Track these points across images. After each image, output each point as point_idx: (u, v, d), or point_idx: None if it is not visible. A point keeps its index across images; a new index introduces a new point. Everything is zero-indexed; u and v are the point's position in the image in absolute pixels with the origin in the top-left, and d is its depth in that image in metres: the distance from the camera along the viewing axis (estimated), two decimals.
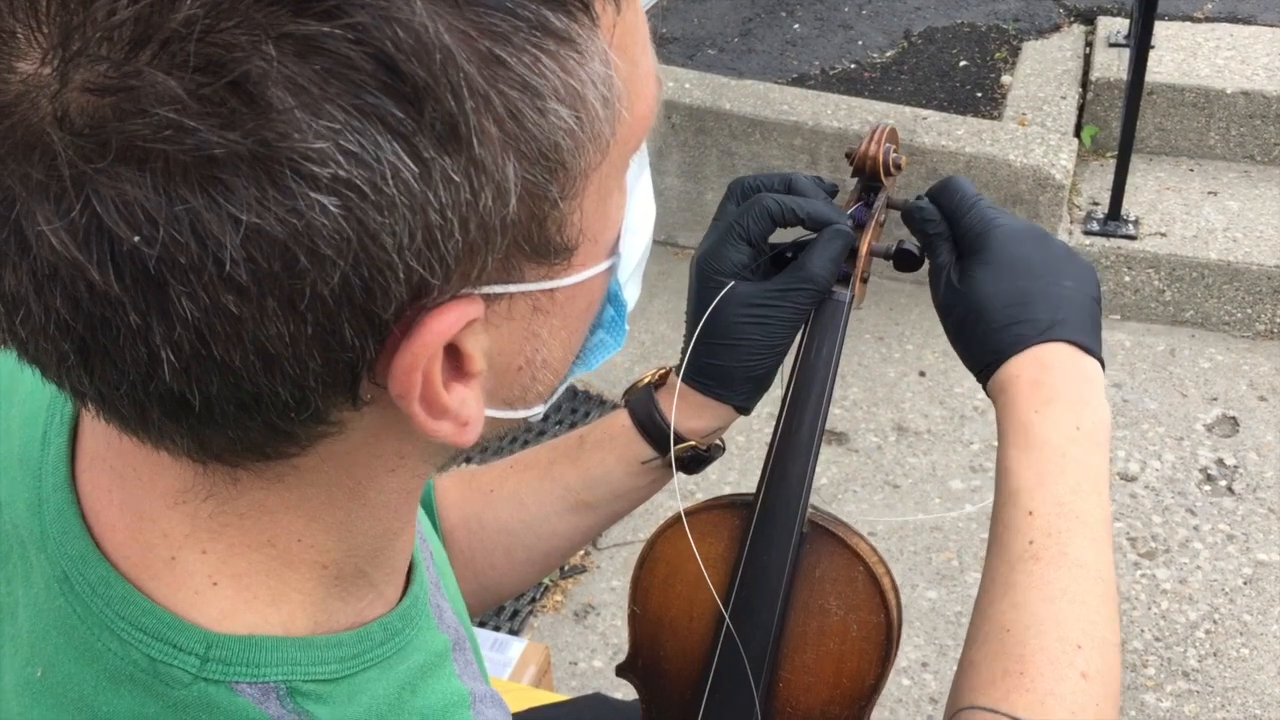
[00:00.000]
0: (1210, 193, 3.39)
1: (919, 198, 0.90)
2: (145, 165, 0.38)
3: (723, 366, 0.87)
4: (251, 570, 0.52)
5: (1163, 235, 3.21)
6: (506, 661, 1.76)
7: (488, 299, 0.46)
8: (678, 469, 0.91)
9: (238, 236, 0.38)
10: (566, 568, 2.48)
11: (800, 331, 0.89)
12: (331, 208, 0.39)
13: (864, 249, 0.90)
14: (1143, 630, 2.38)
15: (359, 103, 0.38)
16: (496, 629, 2.32)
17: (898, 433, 2.82)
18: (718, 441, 0.93)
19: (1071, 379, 0.82)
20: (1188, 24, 3.81)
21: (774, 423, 0.91)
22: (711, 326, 0.86)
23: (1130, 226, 3.22)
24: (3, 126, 0.38)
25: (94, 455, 0.54)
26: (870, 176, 0.94)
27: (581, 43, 0.43)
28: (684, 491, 0.90)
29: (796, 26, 3.95)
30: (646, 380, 0.92)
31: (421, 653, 0.58)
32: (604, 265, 0.52)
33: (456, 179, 0.40)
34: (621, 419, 0.90)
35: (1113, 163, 3.23)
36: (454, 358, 0.47)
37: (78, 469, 0.55)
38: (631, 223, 0.55)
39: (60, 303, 0.40)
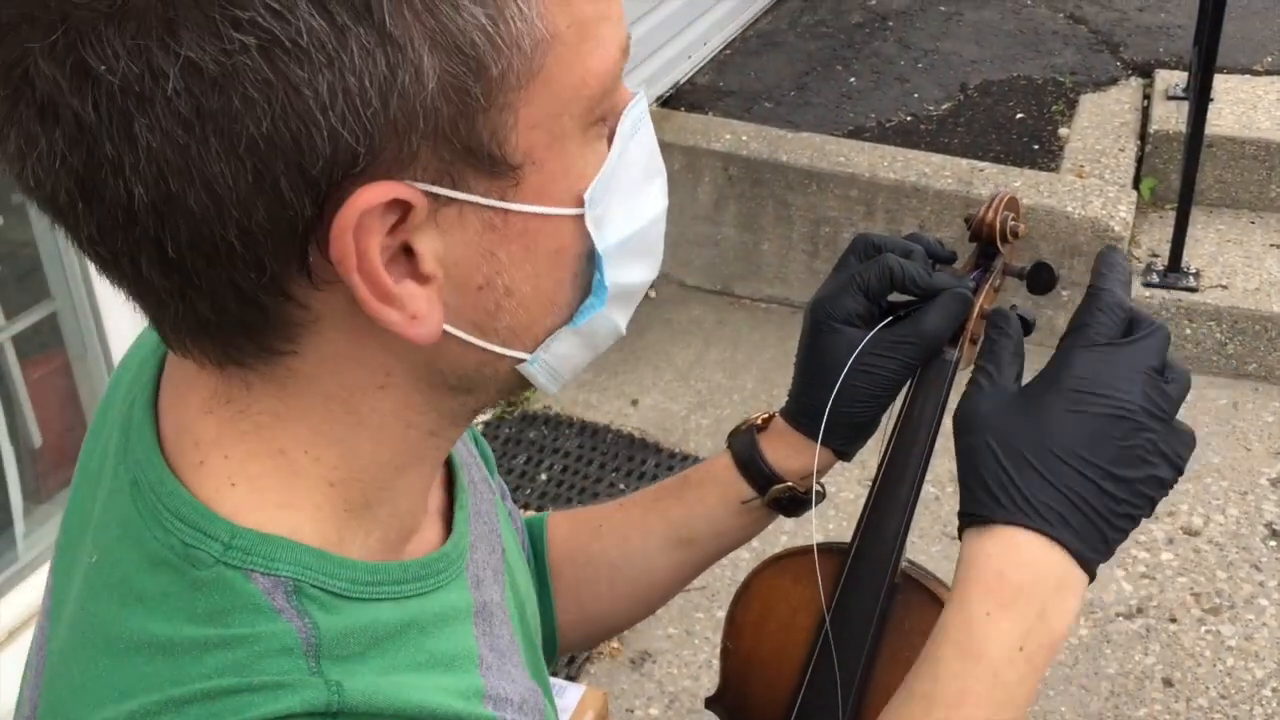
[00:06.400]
0: (1272, 245, 3.37)
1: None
2: (113, 7, 0.46)
3: (823, 409, 0.88)
4: (264, 475, 0.59)
5: (1224, 288, 3.19)
6: (565, 708, 1.76)
7: (433, 199, 0.52)
8: (777, 510, 0.93)
9: (177, 68, 0.47)
10: None
11: (906, 388, 0.90)
12: (254, 51, 0.46)
13: (976, 312, 0.91)
14: (1208, 688, 2.34)
15: None
16: (554, 674, 2.32)
17: (955, 484, 2.80)
18: (818, 485, 0.94)
19: (1041, 585, 0.72)
20: (1248, 77, 3.80)
21: (873, 474, 0.92)
22: (817, 369, 0.88)
23: (1191, 279, 3.20)
24: None
25: (165, 379, 0.63)
26: (987, 243, 0.95)
27: None
28: (754, 550, 0.90)
29: (852, 80, 3.98)
30: (751, 422, 0.94)
31: (441, 605, 0.63)
32: (568, 210, 0.56)
33: (370, 48, 0.47)
34: (725, 459, 0.93)
35: (1172, 215, 3.22)
36: (409, 257, 0.53)
37: (160, 396, 0.63)
38: (624, 191, 0.59)
39: (59, 135, 0.48)
